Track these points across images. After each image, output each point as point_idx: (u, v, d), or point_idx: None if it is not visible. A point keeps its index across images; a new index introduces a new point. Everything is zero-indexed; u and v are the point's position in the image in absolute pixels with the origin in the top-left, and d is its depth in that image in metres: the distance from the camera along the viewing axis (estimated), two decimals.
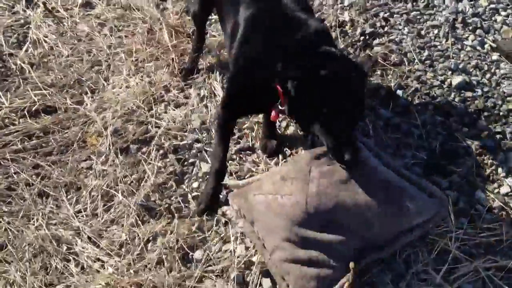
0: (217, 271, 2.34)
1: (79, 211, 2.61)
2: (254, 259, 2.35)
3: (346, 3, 3.82)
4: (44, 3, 3.83)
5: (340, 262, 2.15)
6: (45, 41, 3.55)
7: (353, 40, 3.45)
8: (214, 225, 2.51)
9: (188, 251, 2.42)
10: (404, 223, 2.25)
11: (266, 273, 2.29)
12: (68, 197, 2.67)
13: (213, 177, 2.58)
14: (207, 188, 2.59)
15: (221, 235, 2.47)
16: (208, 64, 3.33)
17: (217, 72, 3.24)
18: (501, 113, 2.95)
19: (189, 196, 2.66)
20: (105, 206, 2.62)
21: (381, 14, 3.67)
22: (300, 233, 2.19)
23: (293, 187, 2.25)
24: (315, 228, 2.19)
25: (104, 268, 2.35)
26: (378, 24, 3.58)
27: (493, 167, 2.71)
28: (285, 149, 2.82)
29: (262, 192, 2.33)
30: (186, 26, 3.63)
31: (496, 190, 2.61)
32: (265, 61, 2.32)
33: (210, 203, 2.56)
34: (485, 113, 2.95)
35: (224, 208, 2.56)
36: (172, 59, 3.34)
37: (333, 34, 3.50)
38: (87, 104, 3.14)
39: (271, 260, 2.24)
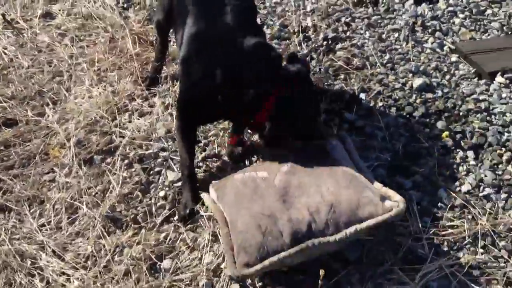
0: (186, 279, 2.32)
1: (43, 225, 2.56)
2: (223, 265, 2.35)
3: (308, 9, 3.87)
4: (3, 15, 3.77)
5: (289, 237, 2.19)
6: (5, 53, 3.50)
7: (316, 45, 3.49)
8: (182, 233, 2.50)
9: (156, 261, 2.40)
10: (358, 214, 2.26)
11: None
12: (31, 210, 2.62)
13: (187, 182, 2.61)
14: (185, 195, 2.59)
15: (189, 244, 2.45)
16: (172, 72, 3.32)
17: None
18: (461, 113, 3.01)
19: (156, 205, 2.64)
20: (70, 219, 2.58)
21: (343, 19, 3.73)
22: (261, 203, 2.32)
23: (268, 166, 2.52)
24: (276, 201, 2.32)
25: (70, 282, 2.30)
26: (340, 29, 3.63)
27: (454, 166, 2.76)
28: (251, 156, 2.83)
29: (242, 172, 2.54)
30: (149, 35, 3.62)
31: (457, 189, 2.67)
32: (212, 79, 2.49)
33: (193, 206, 2.55)
34: (446, 114, 3.01)
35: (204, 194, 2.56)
36: (136, 67, 3.32)
37: (297, 40, 3.54)
38: (48, 116, 3.09)
39: (231, 231, 2.28)
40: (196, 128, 2.79)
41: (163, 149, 2.89)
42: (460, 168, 2.76)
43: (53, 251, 2.43)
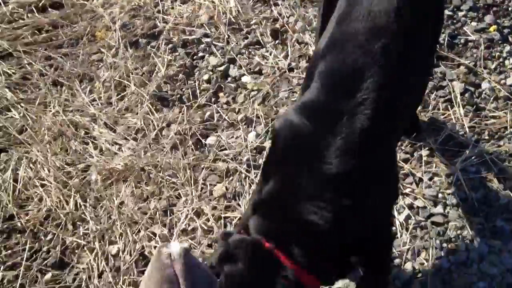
0: (230, 154, 2.41)
1: (94, 100, 2.65)
2: (265, 144, 2.43)
3: None
4: None
5: None
6: None
7: None
8: (227, 111, 2.56)
9: (201, 139, 2.49)
10: None
11: None
12: (82, 87, 2.70)
13: None
14: None
15: (232, 122, 2.53)
16: None
17: None
18: (510, 8, 2.94)
19: (200, 87, 2.70)
20: (119, 96, 2.66)
21: None
22: None
23: None
24: None
25: (122, 151, 2.42)
26: None
27: (501, 60, 2.73)
28: None
29: None
30: None
31: (502, 81, 2.65)
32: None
33: None
34: (494, 8, 2.94)
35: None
36: None
37: None
38: (93, 0, 3.11)
39: None
40: None
41: (206, 35, 2.91)
42: (506, 62, 2.73)
43: (105, 124, 2.53)
